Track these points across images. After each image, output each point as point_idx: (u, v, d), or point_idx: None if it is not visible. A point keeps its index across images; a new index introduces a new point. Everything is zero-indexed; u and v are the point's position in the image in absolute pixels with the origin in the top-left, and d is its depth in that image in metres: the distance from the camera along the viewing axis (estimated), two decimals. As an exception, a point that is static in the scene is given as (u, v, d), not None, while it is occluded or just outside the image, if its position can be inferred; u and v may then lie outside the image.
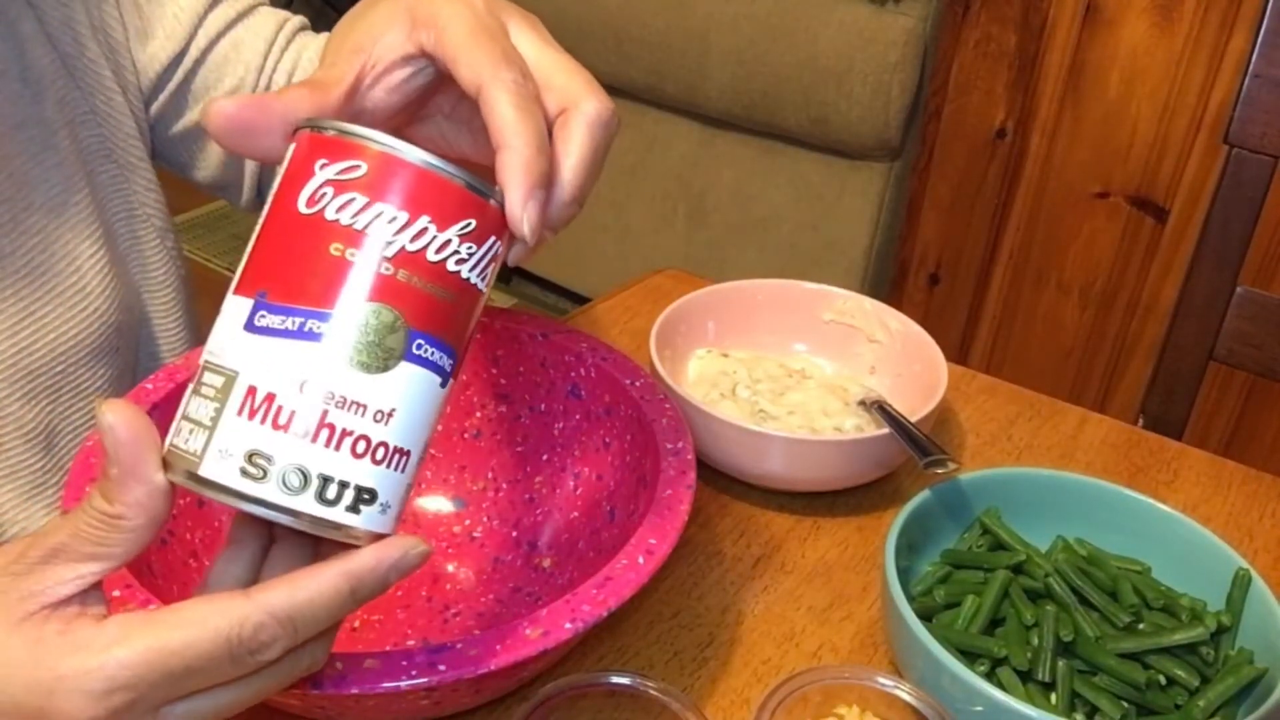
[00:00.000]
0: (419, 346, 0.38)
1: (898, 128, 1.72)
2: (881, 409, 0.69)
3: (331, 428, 0.36)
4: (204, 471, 0.37)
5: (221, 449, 0.36)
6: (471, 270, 0.39)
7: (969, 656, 0.53)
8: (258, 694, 0.39)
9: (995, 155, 1.68)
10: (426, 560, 0.39)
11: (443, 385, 0.39)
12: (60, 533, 0.37)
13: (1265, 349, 0.94)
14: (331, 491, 0.37)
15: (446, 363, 0.39)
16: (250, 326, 0.37)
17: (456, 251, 0.38)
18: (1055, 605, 0.56)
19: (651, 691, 0.48)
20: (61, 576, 0.36)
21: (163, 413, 0.57)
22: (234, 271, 0.39)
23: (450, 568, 0.63)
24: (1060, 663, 0.53)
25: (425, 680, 0.43)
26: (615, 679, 0.48)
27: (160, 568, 0.53)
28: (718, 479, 0.69)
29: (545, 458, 0.65)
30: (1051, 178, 1.64)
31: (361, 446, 0.37)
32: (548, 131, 0.42)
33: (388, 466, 0.38)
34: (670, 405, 0.59)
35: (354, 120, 0.41)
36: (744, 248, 1.98)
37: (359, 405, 0.37)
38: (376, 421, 0.37)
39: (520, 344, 0.65)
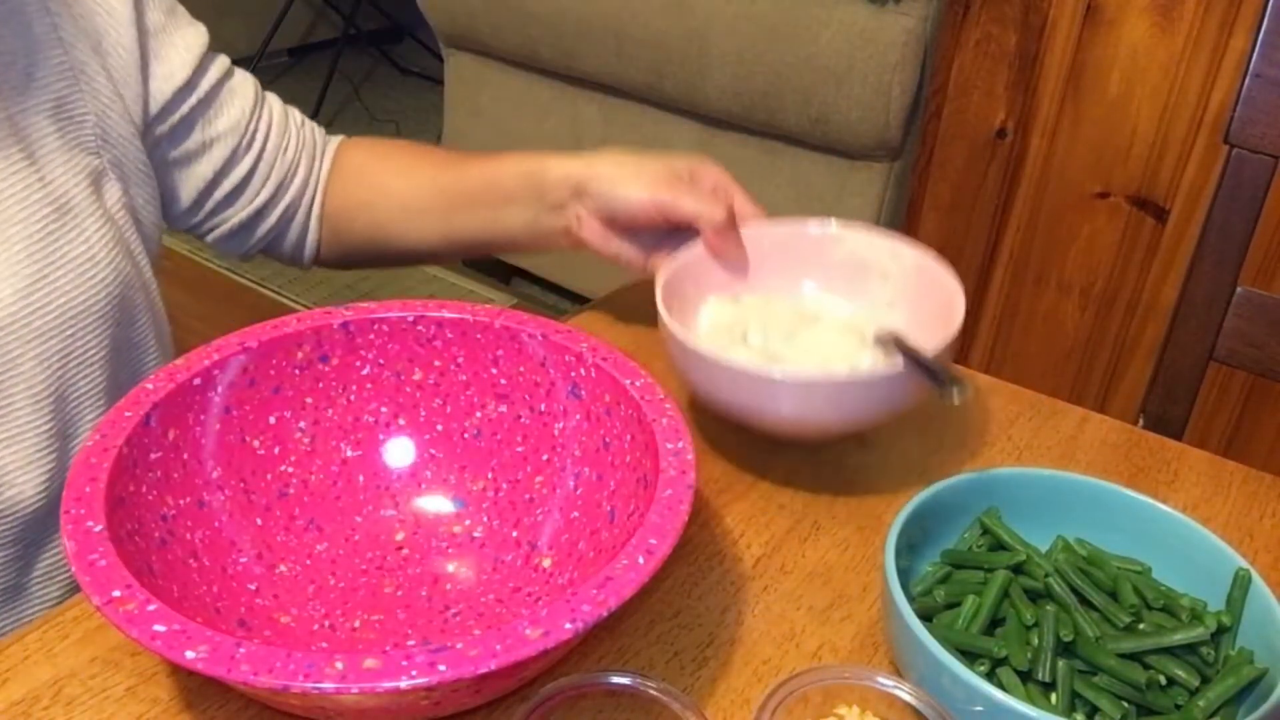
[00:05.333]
0: None
1: (898, 128, 1.72)
2: (897, 342, 0.68)
3: None
4: None
5: None
6: None
7: (969, 656, 0.53)
8: None
9: (995, 155, 1.68)
10: None
11: None
12: None
13: (1265, 349, 0.94)
14: None
15: None
16: None
17: None
18: (1055, 605, 0.56)
19: (651, 691, 0.48)
20: None
21: (162, 413, 0.57)
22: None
23: (450, 568, 0.63)
24: (1060, 663, 0.53)
25: (425, 680, 0.43)
26: (615, 679, 0.48)
27: (160, 567, 0.53)
28: (718, 477, 0.69)
29: (545, 458, 0.65)
30: (1051, 178, 1.64)
31: None
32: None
33: None
34: (670, 405, 0.59)
35: None
36: (744, 248, 1.98)
37: None
38: None
39: (520, 344, 0.65)
